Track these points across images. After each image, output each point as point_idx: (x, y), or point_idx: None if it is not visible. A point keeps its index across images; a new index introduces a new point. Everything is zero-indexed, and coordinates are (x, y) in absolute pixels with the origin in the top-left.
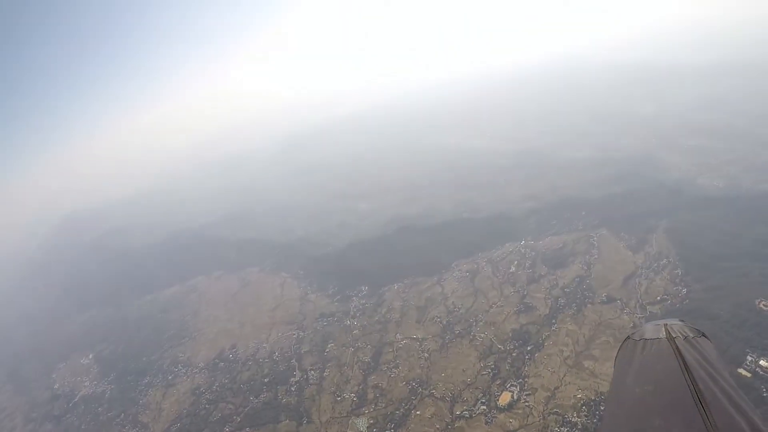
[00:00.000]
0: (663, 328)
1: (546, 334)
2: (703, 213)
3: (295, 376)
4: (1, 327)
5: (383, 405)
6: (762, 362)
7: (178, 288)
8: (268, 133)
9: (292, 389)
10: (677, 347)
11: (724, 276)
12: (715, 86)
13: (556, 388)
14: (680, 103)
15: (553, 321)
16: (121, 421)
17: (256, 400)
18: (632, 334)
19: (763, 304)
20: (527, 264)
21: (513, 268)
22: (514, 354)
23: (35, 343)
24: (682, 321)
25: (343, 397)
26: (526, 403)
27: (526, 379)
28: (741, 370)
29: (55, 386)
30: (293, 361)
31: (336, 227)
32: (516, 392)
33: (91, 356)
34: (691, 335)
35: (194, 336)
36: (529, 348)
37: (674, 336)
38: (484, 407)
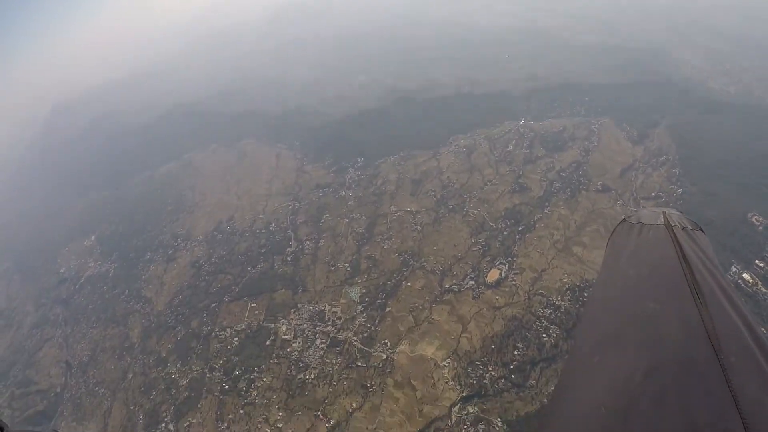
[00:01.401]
0: (662, 215)
1: (538, 216)
2: (710, 117)
3: (290, 246)
4: (5, 219)
5: (375, 275)
6: (745, 275)
7: (174, 164)
8: (258, 6)
9: (288, 259)
10: (675, 235)
11: (721, 183)
12: None
13: (543, 270)
14: (704, 2)
15: (546, 204)
16: (126, 297)
17: (254, 271)
18: (628, 216)
19: (756, 218)
20: (525, 144)
21: (510, 147)
22: (505, 233)
23: (38, 230)
24: (681, 212)
25: (337, 266)
26: (513, 282)
27: (514, 259)
28: None
29: (61, 270)
30: (289, 231)
31: (333, 98)
32: (504, 270)
33: (93, 238)
34: (689, 227)
35: (192, 210)
36: (520, 228)
37: (673, 225)
38: (473, 282)
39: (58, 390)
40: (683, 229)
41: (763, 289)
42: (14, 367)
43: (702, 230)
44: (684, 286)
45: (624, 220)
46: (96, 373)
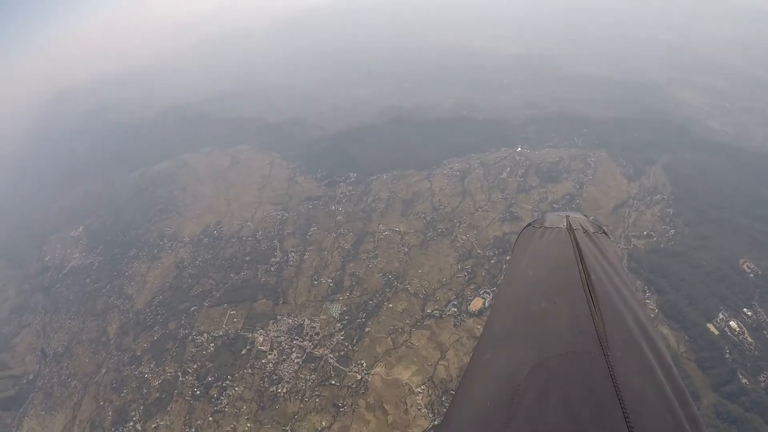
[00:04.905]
0: (565, 219)
1: None
2: (707, 157)
3: (275, 256)
4: None
5: (358, 294)
6: (732, 323)
7: (168, 163)
8: (267, 12)
9: (272, 269)
10: (575, 238)
11: (714, 226)
12: (751, 29)
13: None
14: (707, 39)
15: None
16: (107, 291)
17: (236, 278)
18: (533, 222)
19: (747, 265)
20: (519, 172)
21: (504, 175)
22: (492, 261)
23: (27, 218)
24: (585, 216)
25: (320, 281)
26: None
27: None
28: (710, 326)
29: (46, 258)
30: (275, 241)
31: (330, 111)
32: (488, 300)
33: (81, 229)
34: (592, 230)
35: (181, 211)
36: (508, 257)
37: (574, 228)
38: (455, 309)
39: (31, 377)
40: (585, 231)
41: (749, 339)
42: None
43: (606, 232)
44: (578, 285)
45: (529, 224)
46: (70, 365)
